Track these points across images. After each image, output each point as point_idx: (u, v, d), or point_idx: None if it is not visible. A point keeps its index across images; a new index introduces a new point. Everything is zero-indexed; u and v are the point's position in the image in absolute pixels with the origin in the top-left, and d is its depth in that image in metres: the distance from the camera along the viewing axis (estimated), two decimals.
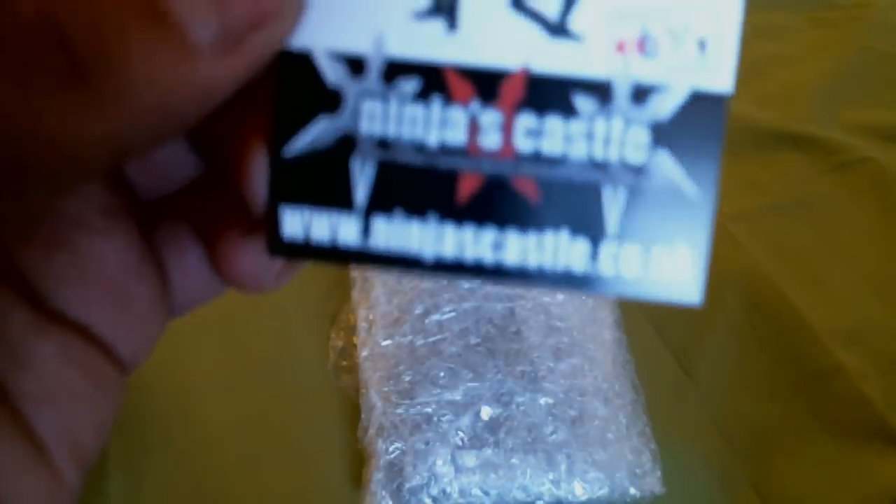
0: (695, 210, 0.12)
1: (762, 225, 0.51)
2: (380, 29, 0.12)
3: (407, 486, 0.36)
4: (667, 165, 0.12)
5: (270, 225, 0.13)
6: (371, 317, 0.42)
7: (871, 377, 0.42)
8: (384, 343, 0.41)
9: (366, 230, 0.12)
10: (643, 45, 0.12)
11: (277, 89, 0.12)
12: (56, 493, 0.13)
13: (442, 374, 0.39)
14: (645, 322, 0.46)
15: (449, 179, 0.12)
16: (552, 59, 0.12)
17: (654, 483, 0.38)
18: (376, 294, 0.43)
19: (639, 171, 0.12)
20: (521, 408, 0.39)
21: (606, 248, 0.12)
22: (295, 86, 0.12)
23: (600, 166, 0.12)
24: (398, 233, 0.12)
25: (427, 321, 0.41)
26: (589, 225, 0.12)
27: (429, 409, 0.38)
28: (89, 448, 0.14)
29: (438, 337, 0.41)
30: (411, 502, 0.36)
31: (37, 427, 0.13)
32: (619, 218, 0.12)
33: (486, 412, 0.38)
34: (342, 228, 0.12)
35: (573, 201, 0.12)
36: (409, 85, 0.12)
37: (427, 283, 0.42)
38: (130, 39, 0.09)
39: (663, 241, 0.12)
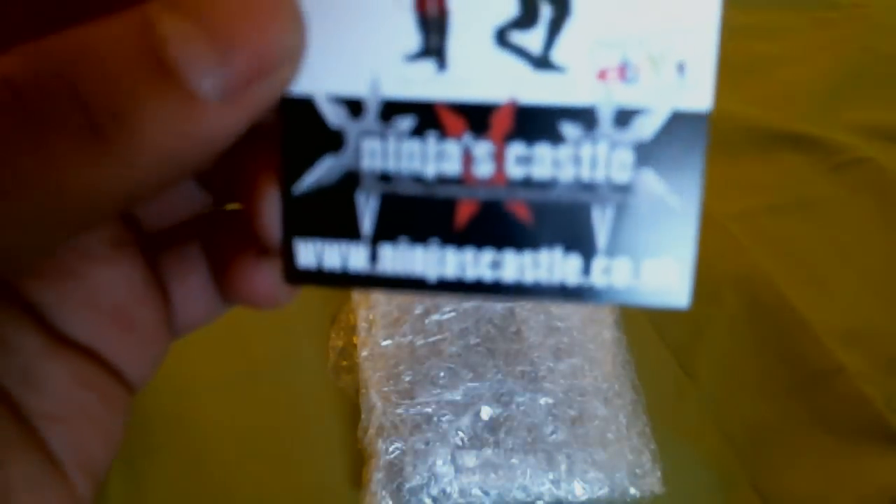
0: (680, 222, 0.13)
1: (762, 225, 0.51)
2: (375, 72, 0.13)
3: (407, 486, 0.36)
4: (651, 182, 0.13)
5: (286, 256, 0.14)
6: (371, 317, 0.42)
7: (871, 377, 0.42)
8: (384, 343, 0.41)
9: (373, 257, 0.13)
10: (624, 71, 0.12)
11: (284, 133, 0.13)
12: None
13: (442, 374, 0.39)
14: (645, 322, 0.46)
15: (447, 207, 0.13)
16: (538, 90, 0.13)
17: (654, 483, 0.38)
18: (376, 294, 0.43)
19: (625, 189, 0.13)
20: (521, 408, 0.39)
21: (598, 263, 0.13)
22: (300, 129, 0.13)
23: (588, 187, 0.13)
24: (403, 258, 0.13)
25: (427, 321, 0.41)
26: (580, 242, 0.13)
27: (429, 409, 0.38)
28: (100, 464, 0.15)
29: (438, 337, 0.41)
30: (411, 502, 0.36)
31: (51, 444, 0.14)
32: (609, 234, 0.13)
33: (486, 412, 0.38)
34: (352, 256, 0.13)
35: (564, 221, 0.13)
36: (405, 122, 0.13)
37: None
38: (141, 97, 0.10)
39: (652, 253, 0.13)
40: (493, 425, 0.38)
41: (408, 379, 0.39)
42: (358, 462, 0.38)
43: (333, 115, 0.13)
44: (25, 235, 0.11)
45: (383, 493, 0.36)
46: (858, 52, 0.63)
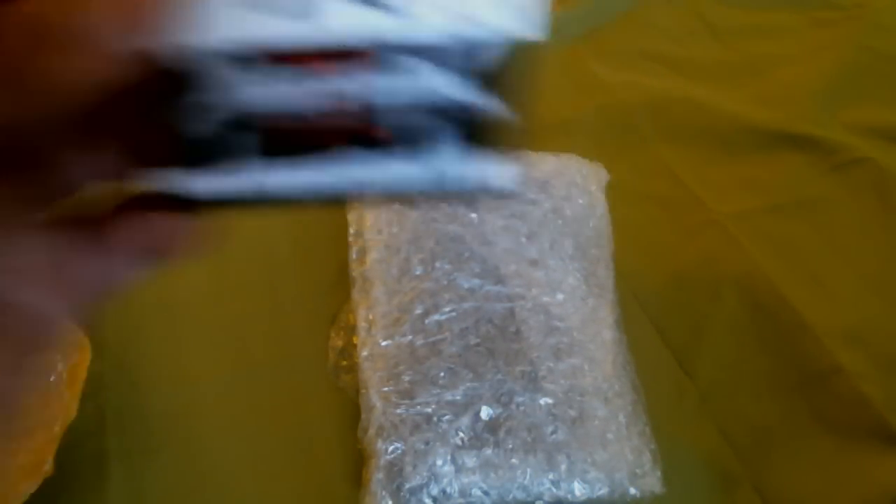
0: (515, 132, 0.16)
1: (762, 225, 0.51)
2: (259, 29, 0.15)
3: (407, 486, 0.36)
4: (492, 101, 0.16)
5: (181, 195, 0.16)
6: (371, 317, 0.42)
7: (871, 377, 0.42)
8: (384, 343, 0.41)
9: (263, 182, 0.16)
10: (471, 15, 0.16)
11: (171, 84, 0.15)
12: None
13: (442, 374, 0.39)
14: (645, 322, 0.46)
15: (323, 135, 0.16)
16: (398, 34, 0.15)
17: (654, 483, 0.38)
18: (376, 294, 0.43)
19: (472, 108, 0.16)
20: (521, 408, 0.39)
21: (453, 167, 0.16)
22: (187, 81, 0.15)
23: (442, 110, 0.16)
24: (291, 177, 0.16)
25: (427, 321, 0.41)
26: (436, 153, 0.16)
27: (429, 409, 0.38)
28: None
29: (438, 337, 0.41)
30: (411, 502, 0.36)
31: None
32: (460, 145, 0.16)
33: (486, 412, 0.38)
34: (244, 183, 0.16)
35: (421, 139, 0.16)
36: (286, 70, 0.15)
37: (427, 283, 0.42)
38: (57, 51, 0.14)
39: (495, 157, 0.16)
40: (493, 425, 0.38)
41: (408, 379, 0.39)
42: (358, 462, 0.38)
43: (216, 69, 0.15)
44: None
45: (383, 493, 0.36)
46: (858, 52, 0.63)
